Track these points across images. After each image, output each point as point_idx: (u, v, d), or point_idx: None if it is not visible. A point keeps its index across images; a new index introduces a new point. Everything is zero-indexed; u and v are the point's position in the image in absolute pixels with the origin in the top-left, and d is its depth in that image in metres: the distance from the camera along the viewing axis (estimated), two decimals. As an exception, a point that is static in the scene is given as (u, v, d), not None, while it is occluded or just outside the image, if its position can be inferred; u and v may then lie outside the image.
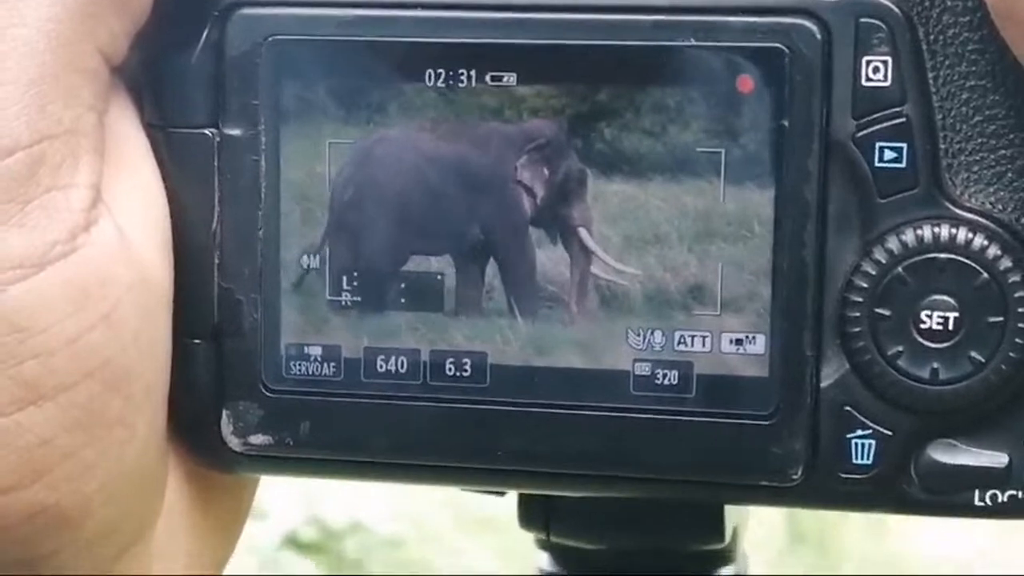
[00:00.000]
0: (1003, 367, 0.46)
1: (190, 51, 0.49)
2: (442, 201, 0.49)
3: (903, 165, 0.46)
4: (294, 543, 2.43)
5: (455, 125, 0.48)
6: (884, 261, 0.46)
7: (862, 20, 0.46)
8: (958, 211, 0.46)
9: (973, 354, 0.46)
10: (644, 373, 0.48)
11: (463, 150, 0.48)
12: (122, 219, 0.47)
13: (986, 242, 0.46)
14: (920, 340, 0.46)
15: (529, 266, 0.49)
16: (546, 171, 0.48)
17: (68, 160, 0.45)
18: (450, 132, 0.48)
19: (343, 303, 0.49)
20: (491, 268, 0.49)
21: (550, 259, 0.49)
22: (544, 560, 0.60)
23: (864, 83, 0.46)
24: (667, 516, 0.55)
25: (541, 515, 0.57)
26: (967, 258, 0.46)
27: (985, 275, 0.46)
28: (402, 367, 0.49)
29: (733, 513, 0.56)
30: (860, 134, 0.46)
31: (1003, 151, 0.46)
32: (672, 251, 0.47)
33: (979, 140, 0.46)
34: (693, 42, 0.47)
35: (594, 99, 0.47)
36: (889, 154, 0.46)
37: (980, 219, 0.46)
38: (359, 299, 0.49)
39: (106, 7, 0.46)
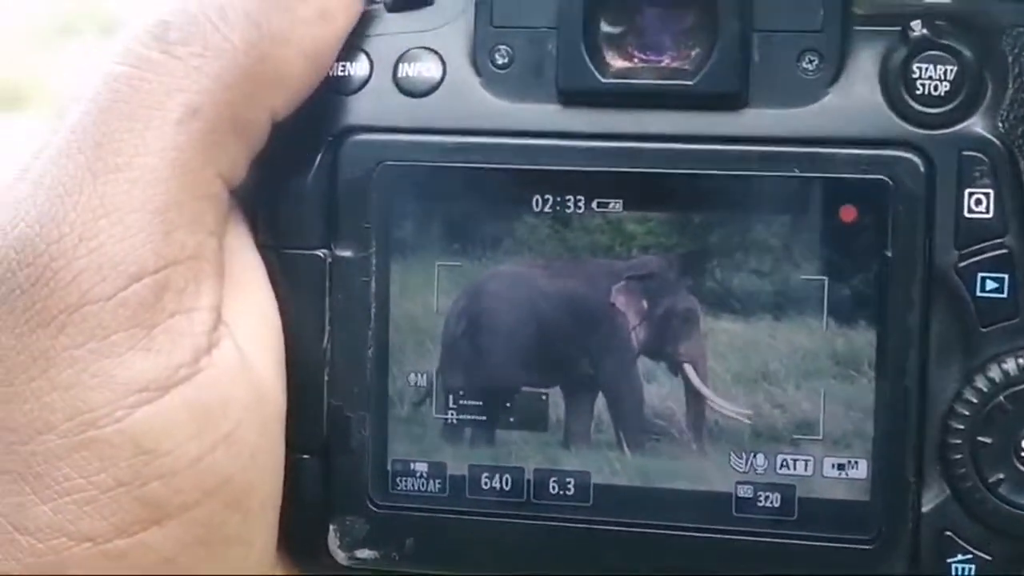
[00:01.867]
0: None
1: (305, 175, 0.50)
2: (552, 335, 0.50)
3: (1004, 295, 0.47)
4: None
5: (566, 259, 0.49)
6: (986, 389, 0.47)
7: (964, 153, 0.47)
8: None
9: None
10: (747, 495, 0.49)
11: (573, 284, 0.50)
12: (241, 339, 0.48)
13: None
14: (1021, 468, 0.47)
15: (637, 399, 0.50)
16: (645, 303, 0.49)
17: (191, 284, 0.47)
18: (561, 267, 0.49)
19: (448, 421, 0.50)
20: (600, 401, 0.50)
21: (658, 393, 0.50)
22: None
23: (967, 215, 0.47)
24: None
25: None
26: None
27: None
28: (507, 485, 0.50)
29: None
30: (962, 264, 0.47)
31: None
32: (778, 385, 0.48)
33: None
34: (797, 172, 0.48)
35: (700, 235, 0.49)
36: (991, 284, 0.47)
37: None
38: (465, 417, 0.50)
39: (227, 134, 0.48)
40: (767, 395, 0.49)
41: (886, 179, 0.47)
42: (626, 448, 0.49)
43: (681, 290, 0.49)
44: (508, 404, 0.50)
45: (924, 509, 0.48)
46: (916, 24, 0.47)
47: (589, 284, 0.49)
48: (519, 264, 0.50)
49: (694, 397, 0.49)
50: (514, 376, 0.50)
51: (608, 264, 0.49)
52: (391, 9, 0.51)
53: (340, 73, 0.50)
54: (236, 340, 0.48)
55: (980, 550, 0.47)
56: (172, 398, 0.46)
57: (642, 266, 0.49)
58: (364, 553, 0.51)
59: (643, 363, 0.50)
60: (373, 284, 0.50)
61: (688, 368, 0.49)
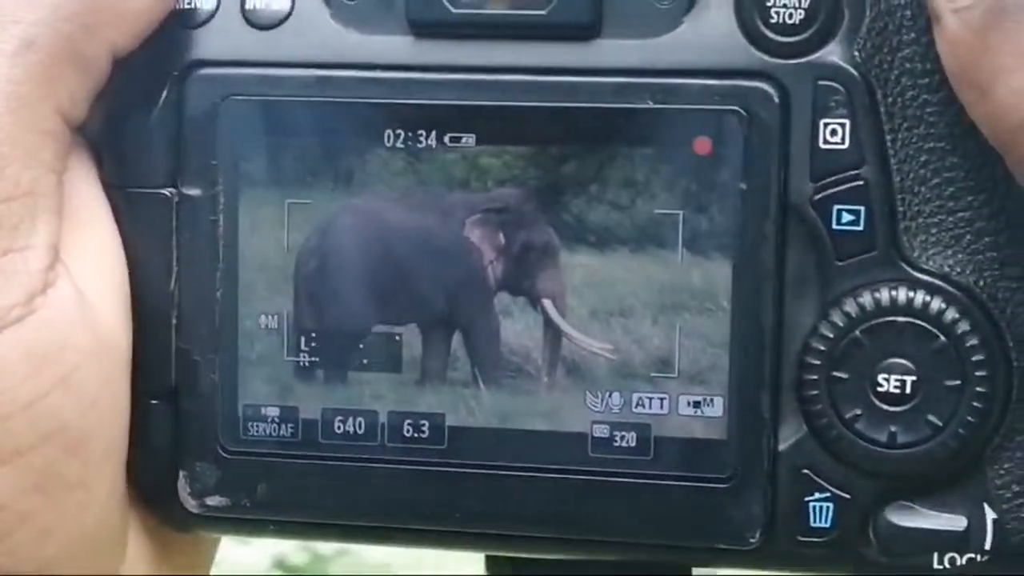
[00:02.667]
0: (961, 431, 0.46)
1: (149, 111, 0.49)
2: (406, 271, 0.49)
3: (861, 228, 0.46)
4: (283, 567, 2.42)
5: (420, 194, 0.48)
6: (842, 324, 0.46)
7: (820, 83, 0.46)
8: (916, 274, 0.46)
9: (931, 418, 0.46)
10: (602, 435, 0.48)
11: (428, 219, 0.48)
12: (81, 280, 0.47)
13: (944, 305, 0.46)
14: (878, 403, 0.46)
15: (493, 336, 0.49)
16: (501, 236, 0.48)
17: (26, 222, 0.45)
18: (415, 202, 0.48)
19: (301, 363, 0.49)
20: (456, 338, 0.49)
21: (515, 330, 0.49)
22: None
23: (822, 146, 0.46)
24: (635, 571, 0.55)
25: (507, 572, 0.56)
26: (925, 321, 0.46)
27: (943, 338, 0.46)
28: (360, 428, 0.49)
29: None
30: (818, 197, 0.46)
31: (961, 213, 0.46)
32: (634, 320, 0.47)
33: (937, 202, 0.46)
34: (651, 104, 0.47)
35: (555, 167, 0.47)
36: (847, 217, 0.46)
37: (938, 282, 0.46)
38: (317, 360, 0.49)
39: (66, 69, 0.46)
40: (624, 330, 0.48)
41: (740, 110, 0.46)
42: (482, 385, 0.48)
43: (538, 223, 0.48)
44: (361, 345, 0.49)
45: (781, 447, 0.47)
46: (770, -49, 0.46)
47: (443, 218, 0.48)
48: (371, 199, 0.48)
49: (552, 333, 0.48)
50: (368, 314, 0.49)
51: (463, 198, 0.48)
52: (238, -61, 0.50)
53: (186, 6, 0.49)
54: (75, 281, 0.46)
55: (838, 488, 0.47)
56: (4, 339, 0.44)
57: (498, 199, 0.48)
58: (214, 500, 0.50)
59: (500, 299, 0.49)
60: (221, 223, 0.49)
61: (547, 303, 0.48)
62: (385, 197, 0.48)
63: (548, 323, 0.48)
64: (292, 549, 2.45)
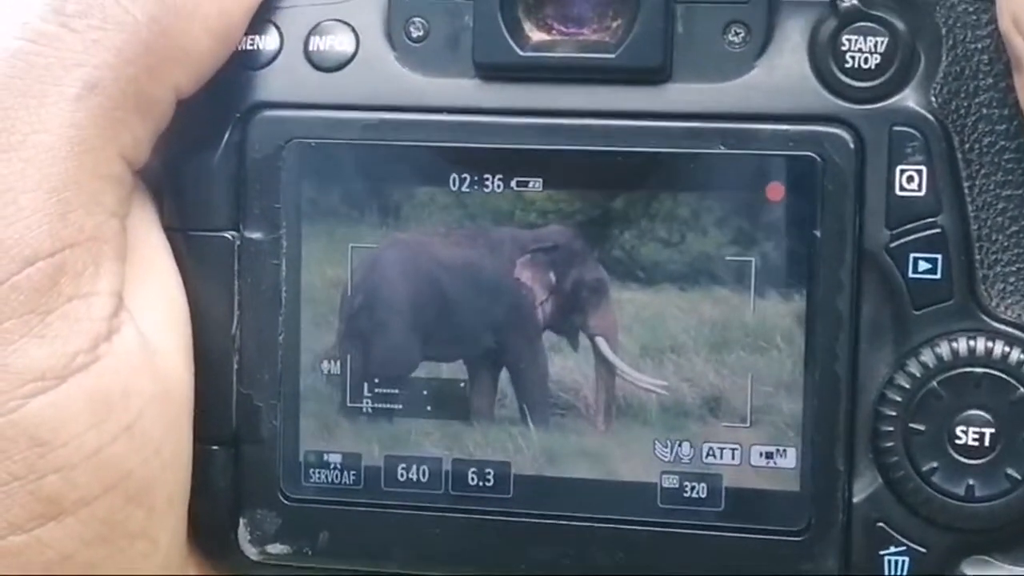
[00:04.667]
0: None
1: (211, 153, 0.48)
2: (454, 306, 0.48)
3: (938, 276, 0.45)
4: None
5: (471, 231, 0.47)
6: (918, 375, 0.45)
7: (896, 128, 0.45)
8: (994, 323, 0.45)
9: (1010, 471, 0.45)
10: (672, 486, 0.47)
11: (477, 255, 0.48)
12: (144, 325, 0.46)
13: (1023, 356, 0.45)
14: (955, 456, 0.45)
15: (541, 374, 0.48)
16: (552, 275, 0.48)
17: (90, 268, 0.45)
18: (465, 237, 0.48)
19: (363, 410, 0.48)
20: (504, 375, 0.48)
21: (565, 367, 0.48)
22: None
23: (898, 192, 0.45)
24: None
25: None
26: (1003, 372, 0.45)
27: (1022, 390, 0.45)
28: (423, 476, 0.48)
29: None
30: (894, 244, 0.45)
31: None
32: (703, 364, 0.47)
33: (1015, 251, 0.45)
34: (723, 149, 0.46)
35: (615, 206, 0.47)
36: (923, 265, 0.45)
37: (1016, 332, 0.45)
38: (380, 406, 0.48)
39: (130, 112, 0.46)
40: (697, 377, 0.47)
41: (814, 156, 0.45)
42: (531, 424, 0.48)
43: (589, 261, 0.47)
44: (425, 391, 0.48)
45: (855, 499, 0.46)
46: (846, -6, 0.46)
47: (492, 254, 0.48)
48: (422, 236, 0.48)
49: (604, 369, 0.47)
50: (415, 350, 0.48)
51: (512, 233, 0.47)
52: (303, -20, 0.49)
53: (249, 47, 0.48)
54: (139, 326, 0.46)
55: (914, 542, 0.46)
56: (69, 387, 0.44)
57: (547, 237, 0.47)
58: (276, 548, 0.49)
59: (549, 337, 0.48)
60: (284, 267, 0.48)
61: (600, 340, 0.47)
62: (435, 233, 0.48)
63: (600, 358, 0.47)
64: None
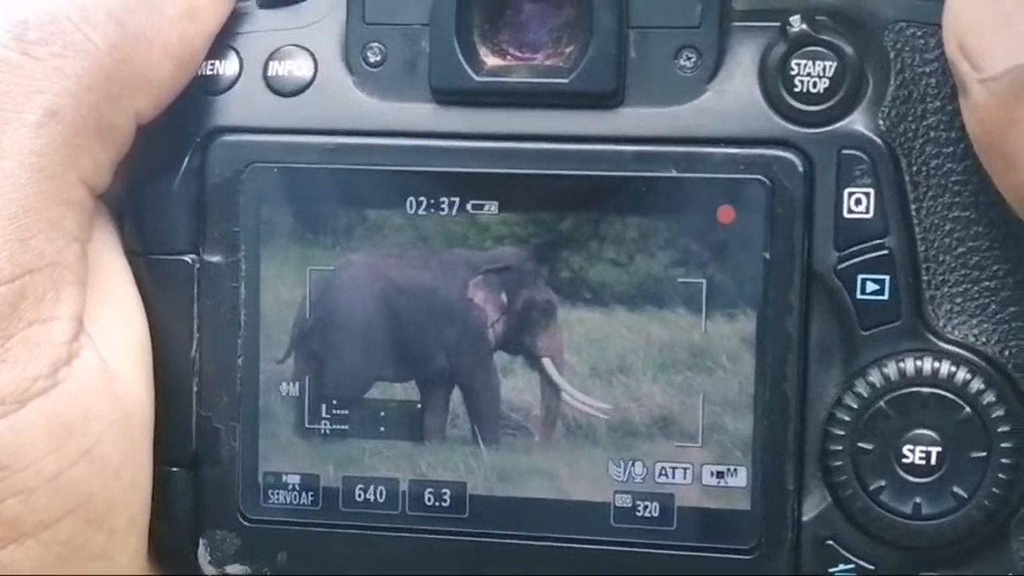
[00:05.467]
0: (986, 503, 0.45)
1: (172, 178, 0.49)
2: (407, 327, 0.49)
3: (886, 297, 0.46)
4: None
5: (424, 252, 0.48)
6: (866, 394, 0.46)
7: (844, 151, 0.46)
8: (941, 344, 0.46)
9: (956, 489, 0.45)
10: (625, 505, 0.47)
11: (429, 276, 0.48)
12: (105, 349, 0.47)
13: (969, 376, 0.45)
14: (903, 475, 0.46)
15: (493, 394, 0.48)
16: (504, 296, 0.48)
17: (50, 293, 0.45)
18: (418, 258, 0.48)
19: (320, 432, 0.49)
20: (456, 395, 0.49)
21: (515, 388, 0.48)
22: None
23: (846, 215, 0.46)
24: None
25: None
26: (949, 392, 0.45)
27: (968, 409, 0.45)
28: (381, 497, 0.49)
29: None
30: (842, 266, 0.46)
31: (987, 283, 0.46)
32: (652, 384, 0.47)
33: (962, 272, 0.46)
34: (674, 172, 0.46)
35: (565, 228, 0.47)
36: (871, 286, 0.46)
37: (963, 352, 0.46)
38: (338, 427, 0.49)
39: (91, 138, 0.46)
40: (643, 401, 0.47)
41: (764, 179, 0.46)
42: (482, 444, 0.48)
43: (539, 283, 0.48)
44: (380, 413, 0.49)
45: (805, 518, 0.47)
46: (795, 19, 0.46)
47: (445, 275, 0.48)
48: (375, 257, 0.48)
49: (551, 391, 0.48)
50: (369, 369, 0.49)
51: (464, 254, 0.48)
52: (262, 6, 0.49)
53: (209, 72, 0.49)
54: (99, 350, 0.46)
55: (862, 559, 0.46)
56: (29, 411, 0.44)
57: (499, 258, 0.48)
58: (235, 568, 0.49)
59: (500, 357, 0.49)
60: (243, 290, 0.49)
61: (547, 362, 0.48)
62: (387, 255, 0.48)
63: (548, 380, 0.48)
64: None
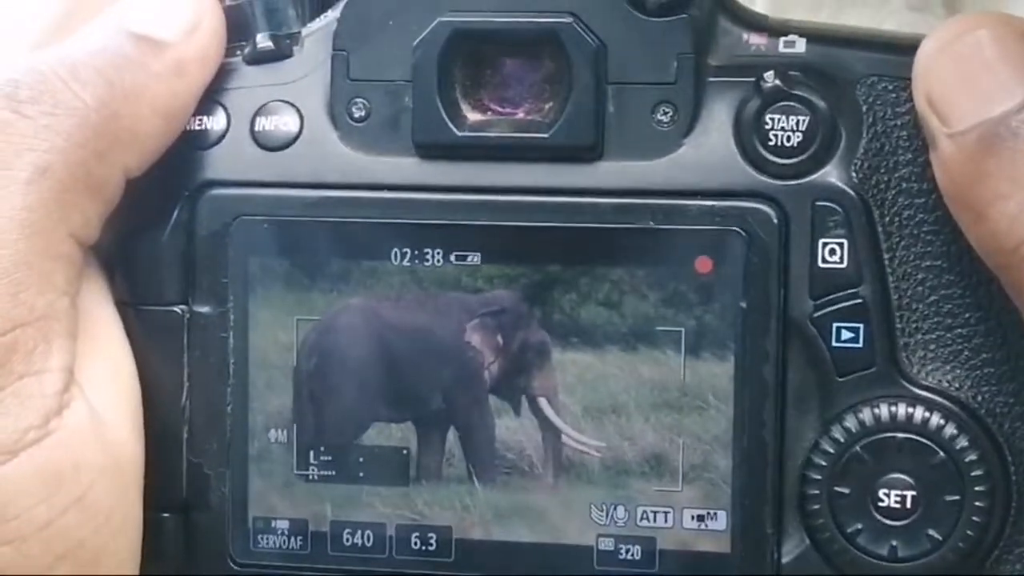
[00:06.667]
0: (961, 544, 0.46)
1: (161, 231, 0.50)
2: (403, 369, 0.50)
3: (860, 345, 0.47)
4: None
5: (417, 296, 0.49)
6: (842, 440, 0.47)
7: (818, 203, 0.47)
8: (915, 390, 0.47)
9: (931, 532, 0.46)
10: (608, 548, 0.48)
11: (424, 319, 0.49)
12: (95, 399, 0.48)
13: (943, 421, 0.46)
14: (879, 518, 0.47)
15: (488, 434, 0.49)
16: (500, 338, 0.49)
17: (41, 346, 0.46)
18: (413, 302, 0.49)
19: (310, 477, 0.50)
20: (452, 435, 0.50)
21: (509, 428, 0.49)
22: None
23: (821, 265, 0.47)
24: None
25: None
26: (924, 437, 0.47)
27: (942, 454, 0.46)
28: (368, 541, 0.49)
29: None
30: (817, 315, 0.47)
31: (959, 330, 0.47)
32: (636, 429, 0.48)
33: (935, 319, 0.47)
34: (652, 224, 0.48)
35: (556, 276, 0.48)
36: (846, 334, 0.47)
37: (937, 398, 0.47)
38: (326, 473, 0.50)
39: (80, 193, 0.47)
40: (629, 443, 0.48)
41: (740, 231, 0.47)
42: (477, 483, 0.49)
43: (532, 325, 0.49)
44: (369, 459, 0.50)
45: (784, 560, 0.48)
46: (769, 75, 0.47)
47: (440, 318, 0.49)
48: (370, 302, 0.49)
49: (545, 430, 0.49)
50: (366, 411, 0.50)
51: (459, 297, 0.49)
52: (249, 62, 0.50)
53: (197, 127, 0.50)
54: (89, 400, 0.47)
55: None
56: (20, 462, 0.45)
57: (494, 301, 0.49)
58: None
59: (494, 399, 0.50)
60: (231, 340, 0.50)
61: (542, 401, 0.49)
62: (383, 299, 0.49)
63: (542, 419, 0.49)
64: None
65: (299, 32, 0.50)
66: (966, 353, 0.47)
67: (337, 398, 0.50)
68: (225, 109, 0.50)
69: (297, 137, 0.50)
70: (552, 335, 0.49)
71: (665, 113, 0.48)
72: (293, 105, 0.50)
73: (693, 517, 0.48)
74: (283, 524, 0.50)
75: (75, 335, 0.48)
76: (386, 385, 0.50)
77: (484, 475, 0.49)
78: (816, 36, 0.48)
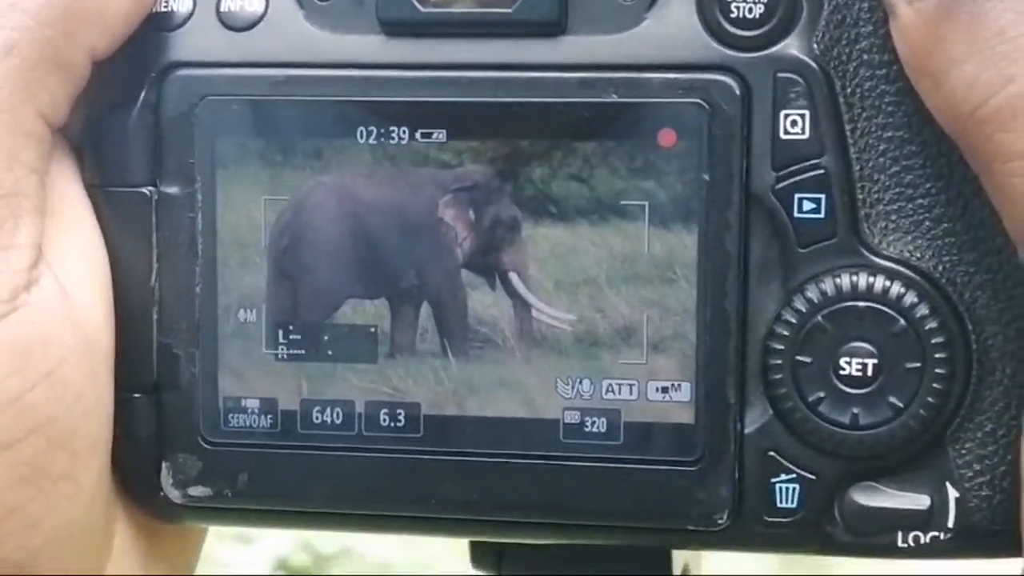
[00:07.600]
0: (922, 412, 0.47)
1: (128, 112, 0.50)
2: (376, 246, 0.50)
3: (822, 215, 0.47)
4: (284, 567, 2.43)
5: (389, 173, 0.49)
6: (804, 310, 0.47)
7: (780, 75, 0.47)
8: (876, 259, 0.47)
9: (892, 399, 0.47)
10: (573, 421, 0.49)
11: (396, 195, 0.50)
12: (64, 277, 0.48)
13: (903, 290, 0.47)
14: (840, 386, 0.47)
15: (461, 308, 0.50)
16: (471, 213, 0.50)
17: (9, 222, 0.47)
18: (384, 179, 0.50)
19: (279, 356, 0.50)
20: (425, 310, 0.50)
21: (482, 303, 0.50)
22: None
23: (783, 136, 0.47)
24: (615, 552, 0.56)
25: (492, 556, 0.57)
26: (885, 305, 0.47)
27: (903, 322, 0.47)
28: (337, 418, 0.50)
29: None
30: (779, 186, 0.47)
31: (920, 200, 0.47)
32: (602, 307, 0.49)
33: (896, 190, 0.47)
34: (615, 98, 0.48)
35: (523, 151, 0.49)
36: (808, 205, 0.47)
37: (898, 267, 0.47)
38: (295, 352, 0.50)
39: (48, 72, 0.47)
40: (593, 311, 0.49)
41: (702, 103, 0.47)
42: (451, 357, 0.50)
43: (503, 199, 0.49)
44: (337, 336, 0.50)
45: (747, 430, 0.48)
46: (731, -53, 0.47)
47: (412, 194, 0.50)
48: (342, 179, 0.50)
49: (516, 303, 0.49)
50: (339, 289, 0.50)
51: (431, 173, 0.49)
52: (214, -57, 0.51)
53: (163, 8, 0.50)
54: (58, 278, 0.48)
55: (804, 469, 0.48)
56: None
57: (465, 177, 0.49)
58: (197, 490, 0.51)
59: (467, 273, 0.50)
60: (199, 220, 0.50)
61: (513, 275, 0.49)
62: (354, 177, 0.50)
63: (513, 292, 0.49)
64: (293, 550, 2.46)
65: (263, -88, 0.51)
66: (927, 223, 0.47)
67: (309, 276, 0.50)
68: None
69: (263, 17, 0.50)
70: (523, 210, 0.49)
71: None
72: None
73: (658, 389, 0.48)
74: (253, 403, 0.51)
75: (43, 213, 0.48)
76: (359, 262, 0.50)
77: (457, 349, 0.50)
78: None
